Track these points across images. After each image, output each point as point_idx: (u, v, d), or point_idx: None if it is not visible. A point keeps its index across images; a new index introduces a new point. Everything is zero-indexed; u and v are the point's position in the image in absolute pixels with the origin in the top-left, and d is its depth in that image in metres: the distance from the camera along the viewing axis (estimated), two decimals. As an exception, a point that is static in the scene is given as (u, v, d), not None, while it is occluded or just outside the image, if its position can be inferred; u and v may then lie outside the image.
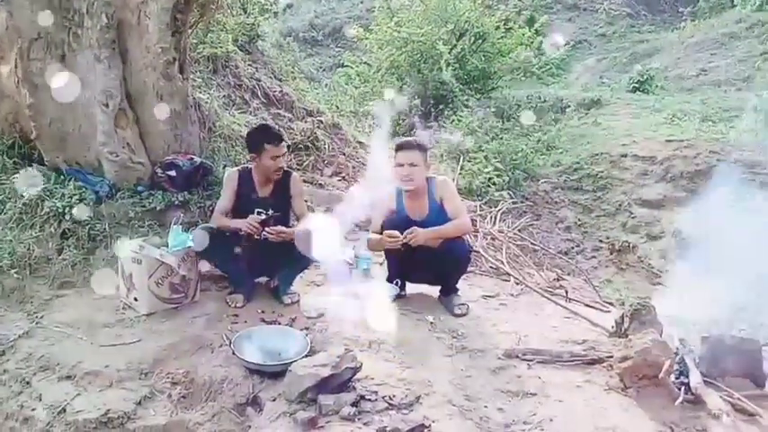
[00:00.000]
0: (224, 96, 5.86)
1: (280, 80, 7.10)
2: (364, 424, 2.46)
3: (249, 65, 6.70)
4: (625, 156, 8.75)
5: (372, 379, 2.80)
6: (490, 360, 3.09)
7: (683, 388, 2.74)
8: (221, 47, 6.17)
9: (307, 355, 2.90)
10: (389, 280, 3.78)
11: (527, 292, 4.23)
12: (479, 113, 9.58)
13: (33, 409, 2.75)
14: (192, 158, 4.27)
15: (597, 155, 9.00)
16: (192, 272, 3.60)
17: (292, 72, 7.80)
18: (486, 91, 11.56)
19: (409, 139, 3.73)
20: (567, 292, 4.29)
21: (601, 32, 20.41)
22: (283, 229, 3.52)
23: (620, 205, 7.91)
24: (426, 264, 3.65)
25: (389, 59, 10.90)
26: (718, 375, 2.88)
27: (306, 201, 4.16)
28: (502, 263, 4.58)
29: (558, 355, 3.11)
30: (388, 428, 2.40)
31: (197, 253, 3.58)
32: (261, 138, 3.58)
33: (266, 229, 3.46)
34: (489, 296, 4.04)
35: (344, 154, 6.09)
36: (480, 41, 11.36)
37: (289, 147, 3.81)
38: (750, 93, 10.78)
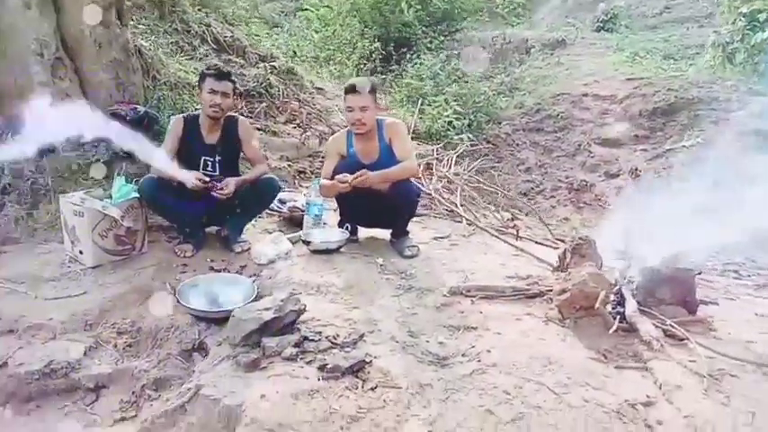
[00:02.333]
0: (172, 43, 5.68)
1: (232, 25, 6.90)
2: (307, 363, 2.49)
3: (199, 10, 6.49)
4: (586, 95, 8.78)
5: (318, 320, 2.84)
6: (436, 298, 3.14)
7: (618, 317, 2.84)
8: (166, -9, 5.94)
9: (253, 301, 2.93)
10: (340, 225, 3.80)
11: (479, 233, 4.29)
12: (442, 56, 9.46)
13: (-27, 364, 2.73)
14: (136, 107, 4.17)
15: (558, 95, 9.02)
16: (138, 223, 3.56)
17: (246, 16, 7.58)
18: (450, 33, 11.40)
19: (356, 81, 3.63)
20: (517, 231, 4.35)
21: (567, -29, 20.07)
22: (231, 190, 3.46)
23: (579, 145, 7.97)
24: (376, 207, 3.66)
25: (350, 1, 10.64)
26: (654, 304, 2.97)
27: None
28: (455, 205, 4.61)
29: (501, 291, 3.17)
30: (329, 366, 2.45)
31: (142, 203, 3.54)
32: (206, 72, 3.52)
33: (213, 192, 3.41)
34: (441, 237, 4.09)
35: (299, 100, 5.99)
36: (443, -20, 11.12)
37: (238, 92, 3.71)
38: (711, 29, 10.79)
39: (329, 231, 3.73)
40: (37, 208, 3.80)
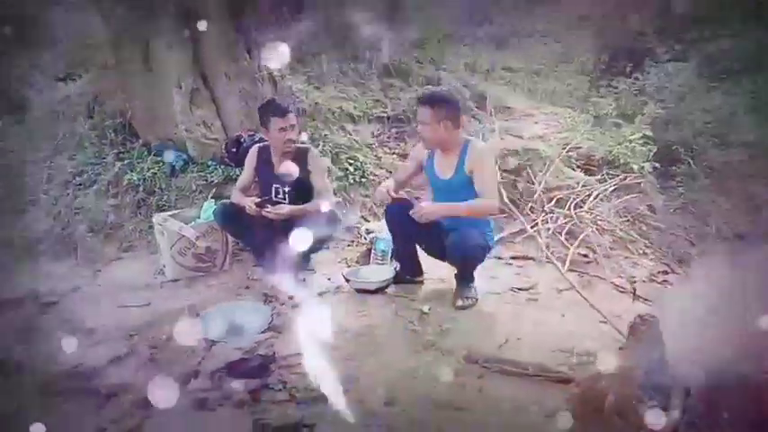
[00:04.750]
0: (336, 69, 5.95)
1: (419, 47, 6.90)
2: (251, 413, 2.40)
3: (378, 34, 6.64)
4: None
5: (303, 367, 2.71)
6: (450, 363, 2.73)
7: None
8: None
9: (263, 332, 2.96)
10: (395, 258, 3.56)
11: (585, 286, 3.61)
12: (669, 69, 8.18)
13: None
14: (253, 134, 4.46)
15: (826, 110, 7.11)
16: (218, 243, 3.82)
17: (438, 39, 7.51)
18: (701, 40, 9.83)
19: (427, 93, 3.29)
20: (635, 291, 3.55)
21: None
22: (282, 212, 3.51)
23: None
24: (431, 248, 3.37)
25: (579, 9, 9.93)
26: (715, 421, 2.15)
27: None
28: (564, 246, 3.96)
29: (524, 368, 2.61)
30: (261, 421, 2.32)
31: (221, 226, 3.78)
32: (266, 110, 3.61)
33: (263, 211, 3.49)
34: (521, 289, 3.54)
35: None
36: (690, -21, 9.63)
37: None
38: None
39: (376, 269, 3.52)
40: (159, 221, 4.33)
